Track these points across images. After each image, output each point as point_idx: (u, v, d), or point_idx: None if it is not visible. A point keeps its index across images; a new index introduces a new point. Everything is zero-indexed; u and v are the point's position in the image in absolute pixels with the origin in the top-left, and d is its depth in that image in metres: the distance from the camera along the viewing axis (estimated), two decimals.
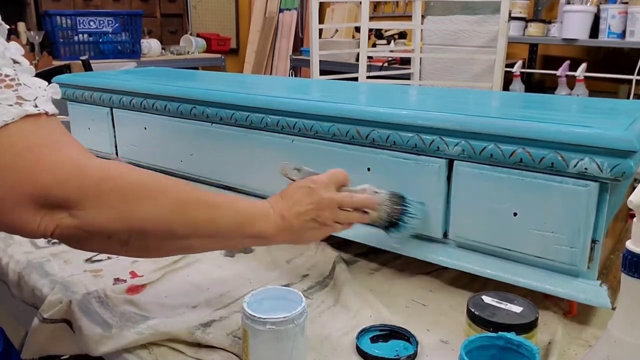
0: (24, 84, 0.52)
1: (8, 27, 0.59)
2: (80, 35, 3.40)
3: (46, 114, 0.52)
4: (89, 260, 0.85)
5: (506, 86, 2.57)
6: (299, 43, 4.31)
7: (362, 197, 0.69)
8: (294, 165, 0.73)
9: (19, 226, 0.50)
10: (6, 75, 0.51)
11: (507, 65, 2.22)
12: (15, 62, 0.53)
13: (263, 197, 0.92)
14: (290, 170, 0.72)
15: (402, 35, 3.36)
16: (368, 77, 2.18)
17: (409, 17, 2.59)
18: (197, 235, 0.58)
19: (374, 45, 3.34)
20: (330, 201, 0.66)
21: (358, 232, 0.81)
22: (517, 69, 2.69)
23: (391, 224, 0.70)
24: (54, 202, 0.50)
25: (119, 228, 0.53)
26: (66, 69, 2.34)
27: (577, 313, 0.68)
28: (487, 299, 0.59)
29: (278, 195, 0.67)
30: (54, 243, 0.91)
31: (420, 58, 2.30)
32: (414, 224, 0.70)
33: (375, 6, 3.77)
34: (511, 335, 0.50)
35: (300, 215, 0.64)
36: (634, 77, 2.40)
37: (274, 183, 0.89)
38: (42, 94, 0.52)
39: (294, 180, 0.71)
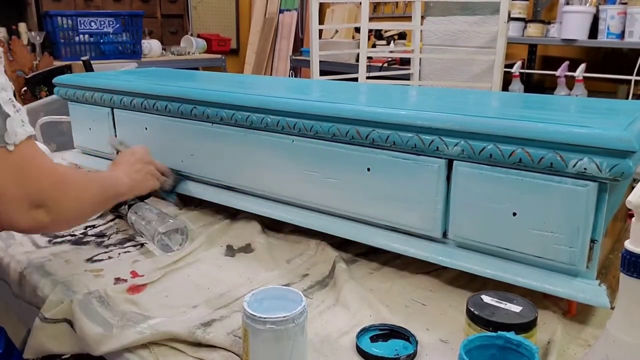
0: (19, 108, 0.63)
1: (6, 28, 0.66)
2: (81, 36, 3.40)
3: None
4: (89, 260, 0.85)
5: (505, 86, 2.58)
6: (299, 44, 4.31)
7: (165, 166, 0.99)
8: (119, 140, 1.07)
9: (14, 221, 0.63)
10: (9, 99, 0.62)
11: (506, 66, 2.22)
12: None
13: (263, 197, 0.93)
14: (117, 144, 1.06)
15: (402, 35, 3.36)
16: (368, 78, 2.18)
17: (408, 18, 2.59)
18: (103, 205, 0.82)
19: (374, 45, 3.34)
20: (150, 161, 0.94)
21: (358, 232, 0.81)
22: (516, 69, 2.69)
23: (169, 190, 1.01)
24: (40, 203, 0.63)
25: (76, 216, 0.73)
26: (67, 70, 2.34)
27: (576, 313, 0.69)
28: (486, 299, 0.59)
29: (115, 163, 0.91)
30: (54, 243, 0.91)
31: (420, 58, 2.30)
32: (174, 194, 1.04)
33: (375, 7, 3.78)
34: (510, 334, 0.50)
35: (139, 172, 0.89)
36: (633, 78, 2.41)
37: (274, 183, 0.89)
38: (24, 117, 0.64)
39: (119, 151, 1.03)
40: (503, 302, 0.59)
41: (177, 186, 1.02)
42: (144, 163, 0.91)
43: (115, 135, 1.14)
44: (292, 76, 3.79)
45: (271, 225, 0.95)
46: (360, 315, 0.68)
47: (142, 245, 0.90)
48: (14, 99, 0.63)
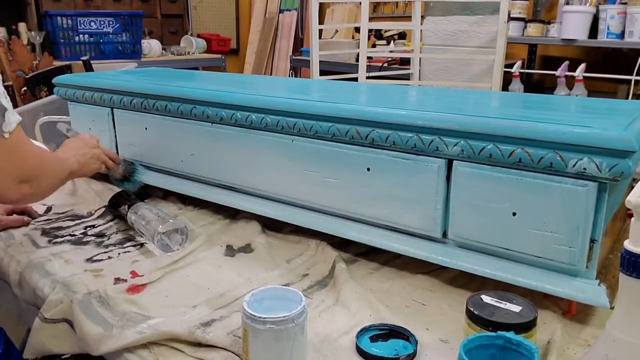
0: (7, 98, 0.74)
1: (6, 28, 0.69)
2: (81, 36, 3.40)
3: None
4: (89, 260, 0.85)
5: (505, 86, 2.57)
6: (299, 43, 4.31)
7: (113, 152, 1.06)
8: (67, 126, 1.12)
9: (4, 194, 0.76)
10: (3, 92, 0.73)
11: (506, 66, 2.22)
12: None
13: (263, 197, 0.93)
14: (65, 130, 1.10)
15: (402, 35, 3.36)
16: (368, 78, 2.18)
17: (408, 18, 2.59)
18: (64, 183, 0.91)
19: (374, 45, 3.34)
20: (97, 146, 1.00)
21: (358, 232, 0.81)
22: (516, 69, 2.69)
23: (123, 179, 1.06)
24: (26, 179, 0.77)
25: (50, 189, 0.86)
26: (67, 70, 2.34)
27: (575, 312, 0.69)
28: (486, 299, 0.59)
29: (64, 145, 0.97)
30: (54, 243, 0.91)
31: (420, 58, 2.30)
32: (135, 185, 1.06)
33: (375, 7, 3.77)
34: (510, 334, 0.50)
35: (84, 155, 0.96)
36: (633, 78, 2.40)
37: (274, 183, 0.89)
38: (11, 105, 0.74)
39: (68, 137, 1.05)
40: (503, 302, 0.59)
41: (132, 175, 1.06)
42: (89, 147, 0.97)
43: (115, 136, 1.14)
44: (292, 76, 3.79)
45: (271, 225, 0.95)
46: (360, 315, 0.68)
47: (142, 245, 0.90)
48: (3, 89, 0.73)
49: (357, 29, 3.25)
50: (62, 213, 1.05)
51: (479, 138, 0.67)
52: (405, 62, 2.72)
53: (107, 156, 1.02)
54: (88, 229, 0.97)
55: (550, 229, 0.65)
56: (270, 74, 4.37)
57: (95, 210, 1.05)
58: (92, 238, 0.93)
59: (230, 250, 0.88)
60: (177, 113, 0.98)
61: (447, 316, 0.69)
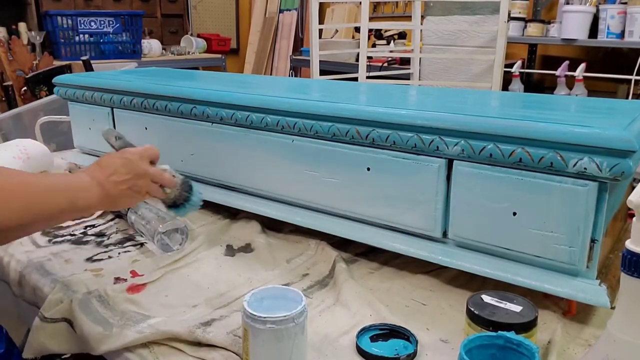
0: None
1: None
2: (81, 36, 3.40)
3: None
4: (89, 259, 0.85)
5: (505, 86, 2.57)
6: (299, 43, 4.31)
7: (167, 177, 0.76)
8: (116, 133, 0.84)
9: None
10: None
11: (506, 66, 2.22)
12: None
13: (263, 197, 0.93)
14: (112, 137, 0.83)
15: (402, 35, 3.36)
16: (368, 77, 2.18)
17: (408, 18, 2.59)
18: (39, 221, 0.64)
19: (374, 45, 3.34)
20: (145, 173, 0.73)
21: (358, 232, 0.81)
22: (516, 69, 2.69)
23: (175, 205, 0.80)
24: None
25: (10, 227, 0.59)
26: (67, 69, 2.34)
27: (576, 312, 0.69)
28: (486, 298, 0.59)
29: (96, 163, 0.72)
30: (54, 242, 0.91)
31: (420, 58, 2.30)
32: (189, 210, 0.81)
33: (375, 6, 3.77)
34: (511, 334, 0.50)
35: (118, 184, 0.70)
36: (633, 77, 2.40)
37: (274, 183, 0.89)
38: None
39: (114, 147, 0.81)
40: (503, 301, 0.59)
41: (187, 199, 0.79)
42: (134, 174, 0.71)
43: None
44: (292, 76, 3.79)
45: (271, 225, 0.95)
46: (360, 315, 0.68)
47: (141, 244, 0.90)
48: None
49: (357, 29, 3.25)
50: None
51: (479, 138, 0.67)
52: (405, 62, 2.72)
53: (159, 183, 0.75)
54: (88, 228, 0.97)
55: (550, 229, 0.65)
56: (270, 74, 4.37)
57: None
58: (92, 237, 0.93)
59: (230, 250, 0.88)
60: (177, 113, 0.98)
61: (448, 316, 0.69)
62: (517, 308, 0.58)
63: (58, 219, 0.68)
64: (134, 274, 0.80)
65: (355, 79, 2.14)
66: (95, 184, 0.68)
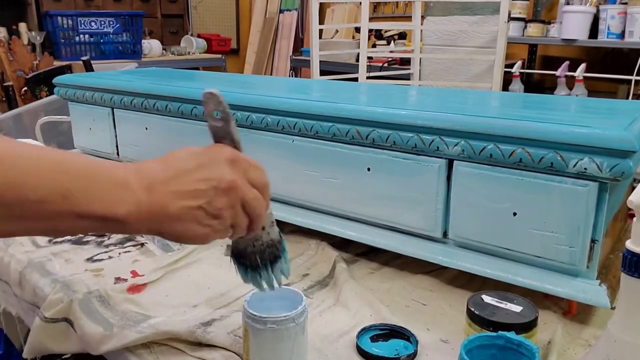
0: None
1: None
2: (81, 36, 3.40)
3: None
4: (89, 259, 0.85)
5: (505, 86, 2.57)
6: (299, 43, 4.31)
7: (267, 215, 0.50)
8: (223, 105, 0.48)
9: None
10: None
11: (506, 66, 2.22)
12: None
13: None
14: (212, 107, 0.48)
15: (402, 35, 3.36)
16: (368, 78, 2.18)
17: (408, 18, 2.59)
18: (36, 227, 0.39)
19: (374, 45, 3.34)
20: (236, 188, 0.44)
21: (358, 232, 0.81)
22: (516, 69, 2.69)
23: (250, 262, 0.53)
24: None
25: None
26: (67, 70, 2.34)
27: (576, 313, 0.69)
28: (487, 299, 0.59)
29: (159, 159, 0.45)
30: (54, 242, 0.91)
31: (420, 58, 2.30)
32: (267, 279, 0.53)
33: (375, 7, 3.77)
34: (511, 334, 0.50)
35: (184, 195, 0.42)
36: (633, 78, 2.40)
37: (274, 183, 0.89)
38: None
39: (210, 127, 0.49)
40: (503, 302, 0.59)
41: (274, 263, 0.54)
42: (212, 186, 0.44)
43: (116, 136, 1.13)
44: (292, 76, 3.79)
45: None
46: (360, 315, 0.68)
47: (142, 244, 0.90)
48: None
49: (358, 29, 3.24)
50: None
51: (479, 138, 0.67)
52: (406, 62, 2.72)
53: (253, 217, 0.47)
54: None
55: (550, 229, 0.65)
56: (271, 74, 4.37)
57: None
58: (93, 237, 0.93)
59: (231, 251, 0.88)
60: (177, 113, 0.98)
61: (448, 316, 0.69)
62: (518, 308, 0.58)
63: (39, 219, 0.38)
64: (134, 274, 0.80)
65: (356, 79, 2.14)
66: (140, 184, 0.42)
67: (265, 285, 0.53)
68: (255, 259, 0.51)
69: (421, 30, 2.30)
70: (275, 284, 0.53)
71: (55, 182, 0.38)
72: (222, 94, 0.47)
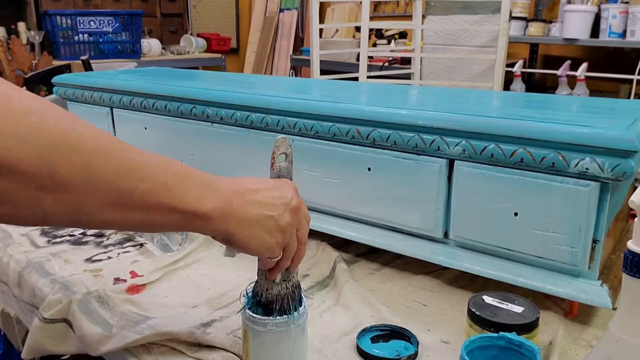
0: None
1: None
2: (80, 35, 3.40)
3: None
4: (89, 260, 0.85)
5: (507, 86, 2.57)
6: (299, 43, 4.31)
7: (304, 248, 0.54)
8: (289, 149, 0.55)
9: None
10: None
11: (507, 65, 2.22)
12: None
13: None
14: (283, 150, 0.55)
15: (403, 35, 3.36)
16: (368, 77, 2.18)
17: (409, 17, 2.59)
18: (104, 200, 0.40)
19: (375, 45, 3.34)
20: (300, 208, 0.53)
21: (359, 233, 0.81)
22: (517, 68, 2.69)
23: (266, 303, 0.53)
24: None
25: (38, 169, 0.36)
26: (66, 69, 2.33)
27: (578, 313, 0.68)
28: (487, 299, 0.59)
29: (234, 178, 0.52)
30: (53, 243, 0.91)
31: (421, 58, 2.30)
32: (280, 326, 0.52)
33: (375, 6, 3.77)
34: (512, 335, 0.50)
35: (261, 205, 0.50)
36: (635, 77, 2.40)
37: None
38: None
39: (273, 167, 0.55)
40: (504, 302, 0.59)
41: (290, 311, 0.53)
42: (285, 202, 0.51)
43: (115, 136, 1.13)
44: (292, 75, 3.79)
45: None
46: (360, 316, 0.68)
47: (141, 245, 0.90)
48: None
49: (358, 28, 3.25)
50: None
51: (480, 138, 0.67)
52: (406, 61, 2.72)
53: (300, 245, 0.54)
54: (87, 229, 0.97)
55: (552, 229, 0.64)
56: (271, 74, 4.37)
57: None
58: (92, 238, 0.93)
59: (230, 251, 0.88)
60: (177, 113, 0.98)
61: (449, 317, 0.69)
62: (519, 309, 0.57)
63: (141, 208, 0.42)
64: (133, 274, 0.80)
65: (356, 79, 2.14)
66: (225, 189, 0.48)
67: (287, 331, 0.53)
68: (287, 301, 0.53)
69: (422, 30, 2.30)
70: (292, 327, 0.53)
71: (159, 177, 0.43)
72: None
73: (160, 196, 0.43)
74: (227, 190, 0.49)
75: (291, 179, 0.56)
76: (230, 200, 0.48)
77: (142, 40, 3.64)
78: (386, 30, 3.38)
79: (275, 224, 0.50)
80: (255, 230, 0.50)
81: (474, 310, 0.57)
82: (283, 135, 0.55)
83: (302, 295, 0.55)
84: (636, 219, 0.39)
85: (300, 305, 0.54)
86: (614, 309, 0.61)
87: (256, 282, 0.55)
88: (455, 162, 0.70)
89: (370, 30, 2.67)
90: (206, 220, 0.47)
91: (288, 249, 0.53)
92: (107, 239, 0.93)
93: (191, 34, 4.08)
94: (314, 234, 0.89)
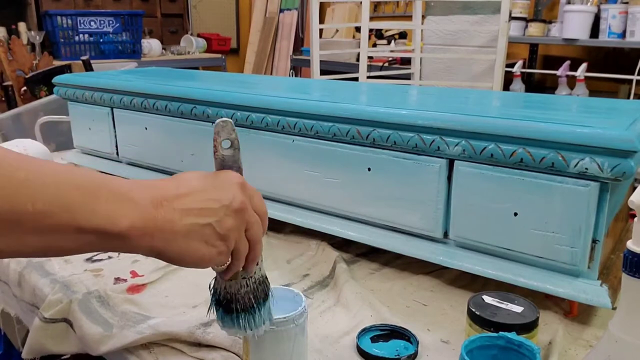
0: None
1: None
2: (80, 35, 3.40)
3: None
4: (89, 259, 0.85)
5: (506, 86, 2.57)
6: (300, 43, 4.31)
7: (260, 248, 0.48)
8: (234, 134, 0.48)
9: None
10: None
11: (507, 65, 2.22)
12: None
13: (263, 197, 0.92)
14: (224, 135, 0.48)
15: (403, 35, 3.36)
16: (368, 77, 2.18)
17: (409, 17, 2.59)
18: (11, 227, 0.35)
19: (375, 45, 3.34)
20: (245, 209, 0.45)
21: (359, 233, 0.81)
22: (517, 69, 2.69)
23: (228, 305, 0.50)
24: None
25: None
26: (67, 69, 2.33)
27: (577, 313, 0.68)
28: (487, 299, 0.59)
29: (169, 177, 0.46)
30: None
31: (421, 58, 2.30)
32: (245, 326, 0.49)
33: (375, 6, 3.77)
34: (512, 335, 0.50)
35: (194, 212, 0.42)
36: (635, 77, 2.40)
37: (274, 183, 0.89)
38: None
39: (215, 155, 0.48)
40: (504, 302, 0.59)
41: (254, 311, 0.50)
42: (223, 205, 0.44)
43: (115, 136, 1.13)
44: (292, 76, 3.79)
45: (271, 225, 0.95)
46: (360, 316, 0.68)
47: None
48: None
49: (358, 29, 3.25)
50: None
51: (480, 138, 0.67)
52: (406, 61, 2.72)
53: (252, 246, 0.48)
54: None
55: (551, 229, 0.64)
56: (271, 74, 4.37)
57: None
58: None
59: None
60: (177, 113, 0.98)
61: (449, 317, 0.69)
62: (519, 309, 0.58)
63: (44, 234, 0.37)
64: (134, 274, 0.80)
65: (356, 79, 2.14)
66: (144, 200, 0.41)
67: (256, 329, 0.50)
68: (249, 298, 0.49)
69: (422, 30, 2.30)
70: (265, 326, 0.51)
71: (56, 194, 0.37)
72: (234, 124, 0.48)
73: (60, 217, 0.37)
74: (149, 201, 0.41)
75: (240, 169, 0.49)
76: (152, 214, 0.41)
77: (143, 40, 3.64)
78: (386, 31, 3.38)
79: (214, 232, 0.43)
80: (190, 243, 0.42)
81: (473, 310, 0.57)
82: (225, 118, 0.48)
83: (269, 290, 0.51)
84: (636, 219, 0.39)
85: (266, 301, 0.50)
86: (614, 308, 0.61)
87: (214, 278, 0.50)
88: (455, 162, 0.70)
89: (370, 30, 2.67)
90: (123, 239, 0.40)
91: (237, 254, 0.46)
92: None
93: (191, 34, 4.08)
94: (314, 234, 0.89)
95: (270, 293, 0.51)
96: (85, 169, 0.43)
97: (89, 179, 0.39)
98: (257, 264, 0.50)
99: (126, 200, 0.40)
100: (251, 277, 0.50)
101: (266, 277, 0.52)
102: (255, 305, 0.49)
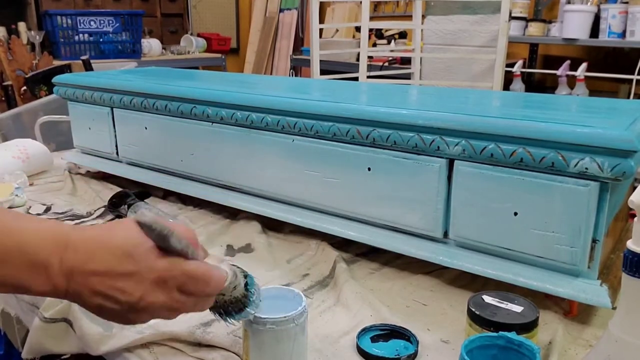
0: None
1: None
2: (80, 35, 3.40)
3: None
4: None
5: (506, 86, 2.57)
6: (300, 43, 4.31)
7: (217, 276, 0.47)
8: (158, 232, 0.44)
9: None
10: None
11: (507, 65, 2.22)
12: None
13: (263, 197, 0.93)
14: (142, 214, 0.45)
15: (403, 35, 3.36)
16: (368, 77, 2.18)
17: (409, 17, 2.59)
18: None
19: (375, 45, 3.34)
20: (151, 305, 0.43)
21: (359, 232, 0.81)
22: (517, 68, 2.69)
23: (222, 311, 0.52)
24: None
25: None
26: (67, 69, 2.34)
27: (577, 313, 0.68)
28: (487, 299, 0.59)
29: (101, 234, 0.44)
30: None
31: (421, 58, 2.30)
32: (241, 317, 0.52)
33: (375, 6, 3.77)
34: (512, 334, 0.50)
35: (102, 296, 0.42)
36: (635, 77, 2.40)
37: (275, 183, 0.89)
38: None
39: (144, 226, 0.44)
40: (504, 302, 0.59)
41: (242, 308, 0.52)
42: (136, 308, 0.43)
43: (115, 136, 1.13)
44: (292, 75, 3.79)
45: (271, 225, 0.95)
46: (360, 315, 0.68)
47: None
48: None
49: (358, 28, 3.25)
50: (62, 213, 1.05)
51: (480, 138, 0.67)
52: (406, 61, 2.72)
53: (201, 288, 0.47)
54: None
55: (551, 229, 0.64)
56: (271, 74, 4.37)
57: (95, 210, 1.05)
58: None
59: (231, 250, 0.88)
60: (177, 113, 0.98)
61: (448, 316, 0.69)
62: (518, 308, 0.58)
63: None
64: None
65: (356, 79, 2.14)
66: (58, 271, 0.41)
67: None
68: (220, 312, 0.52)
69: (422, 30, 2.30)
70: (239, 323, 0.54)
71: None
72: (154, 219, 0.44)
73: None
74: (61, 273, 0.41)
75: (179, 252, 0.45)
76: (63, 285, 0.42)
77: (143, 40, 3.64)
78: (386, 30, 3.38)
79: (125, 314, 0.43)
80: (100, 314, 0.44)
81: (473, 309, 0.57)
82: (141, 218, 0.44)
83: (248, 302, 0.52)
84: (636, 218, 0.39)
85: (241, 313, 0.51)
86: (614, 308, 0.61)
87: None
88: (455, 162, 0.70)
89: (370, 30, 2.67)
90: (40, 294, 0.42)
91: (182, 309, 0.46)
92: None
93: (191, 34, 4.08)
94: (314, 234, 0.89)
95: (249, 305, 0.52)
96: (13, 215, 0.43)
97: (10, 235, 0.40)
98: (224, 295, 0.51)
99: (40, 270, 0.41)
100: (222, 296, 0.51)
101: (244, 295, 0.52)
102: (226, 317, 0.53)
